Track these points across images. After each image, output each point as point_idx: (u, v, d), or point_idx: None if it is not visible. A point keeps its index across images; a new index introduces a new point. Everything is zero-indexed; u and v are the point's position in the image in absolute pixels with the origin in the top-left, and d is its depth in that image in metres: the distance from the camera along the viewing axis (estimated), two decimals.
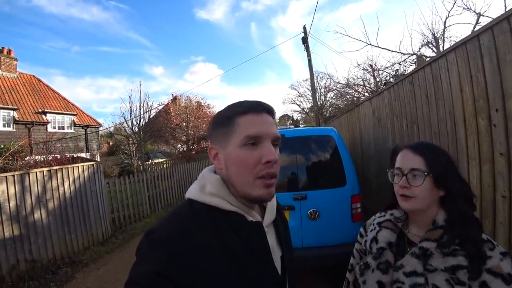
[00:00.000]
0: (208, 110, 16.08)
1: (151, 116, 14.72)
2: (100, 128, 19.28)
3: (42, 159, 6.88)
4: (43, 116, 15.89)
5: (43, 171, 4.86)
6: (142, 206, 7.07)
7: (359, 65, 9.37)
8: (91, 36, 73.95)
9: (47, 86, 18.08)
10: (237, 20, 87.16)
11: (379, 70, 8.58)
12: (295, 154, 3.03)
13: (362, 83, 9.56)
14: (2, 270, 3.96)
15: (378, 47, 7.60)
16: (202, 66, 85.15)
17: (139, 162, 13.11)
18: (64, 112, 17.03)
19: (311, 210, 2.92)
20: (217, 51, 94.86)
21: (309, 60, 10.14)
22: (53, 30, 66.57)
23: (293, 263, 0.77)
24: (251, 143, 0.62)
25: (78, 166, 5.47)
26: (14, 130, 14.21)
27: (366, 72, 9.34)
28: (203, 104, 17.59)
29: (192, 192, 0.66)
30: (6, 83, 15.78)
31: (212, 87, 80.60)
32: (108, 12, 75.58)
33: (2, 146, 6.43)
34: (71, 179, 5.24)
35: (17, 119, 14.54)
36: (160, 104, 15.68)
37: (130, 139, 9.20)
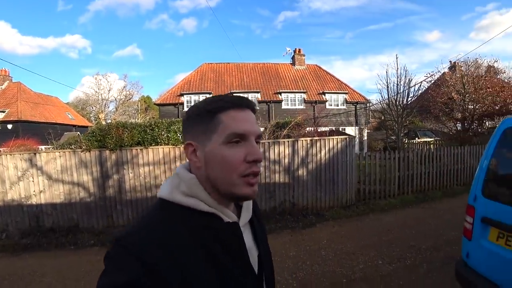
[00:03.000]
0: (499, 76, 11.78)
1: (419, 91, 13.30)
2: (368, 105, 20.46)
3: (312, 130, 8.68)
4: (323, 96, 19.77)
5: (307, 140, 6.23)
6: (389, 185, 6.98)
7: None
8: (358, 19, 78.36)
9: (325, 71, 22.36)
10: None
11: None
12: None
13: None
14: (276, 202, 5.80)
15: None
16: (494, 17, 63.03)
17: (404, 140, 12.55)
18: (338, 91, 20.01)
19: None
20: None
21: None
22: (329, 24, 78.52)
23: (270, 261, 0.75)
24: (236, 141, 0.60)
25: (333, 139, 6.38)
26: (304, 107, 18.97)
27: None
28: (496, 68, 13.21)
29: (165, 192, 0.62)
30: (298, 73, 21.86)
31: None
32: None
33: (288, 119, 8.87)
34: (326, 148, 6.26)
35: (306, 99, 19.51)
36: (428, 75, 13.64)
37: (390, 116, 9.08)
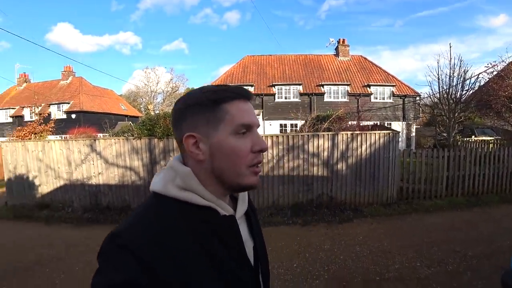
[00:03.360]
0: None
1: (477, 83, 11.95)
2: (418, 98, 19.05)
3: (354, 123, 8.42)
4: (368, 89, 18.84)
5: (347, 133, 6.09)
6: (436, 185, 6.53)
7: None
8: (410, 4, 71.43)
9: (371, 62, 21.19)
10: None
11: None
12: None
13: None
14: (313, 195, 5.84)
15: None
16: None
17: (458, 137, 11.48)
18: (384, 84, 18.89)
19: None
20: None
21: None
22: (376, 11, 72.53)
23: (265, 254, 0.75)
24: (243, 132, 0.60)
25: (375, 133, 6.15)
26: (348, 100, 18.34)
27: None
28: None
29: (158, 185, 0.61)
30: (342, 65, 21.06)
31: None
32: None
33: (330, 112, 8.69)
34: (368, 143, 6.06)
35: (350, 92, 18.80)
36: (489, 66, 12.15)
37: (441, 111, 8.38)
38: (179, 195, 0.59)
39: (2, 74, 72.24)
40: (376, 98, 18.87)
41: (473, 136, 16.33)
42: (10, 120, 23.30)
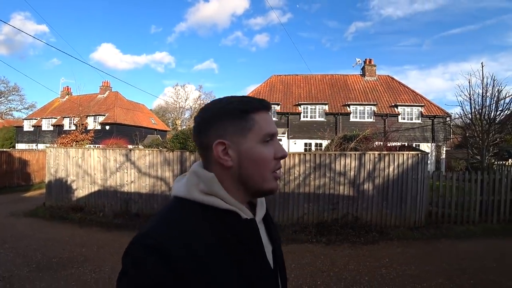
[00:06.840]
0: None
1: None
2: (448, 119, 18.38)
3: (381, 144, 8.31)
4: (395, 109, 18.57)
5: (375, 153, 6.06)
6: (469, 210, 6.23)
7: None
8: (437, 23, 69.45)
9: (399, 82, 20.96)
10: None
11: None
12: None
13: None
14: (338, 215, 5.83)
15: None
16: None
17: (493, 160, 10.90)
18: (412, 104, 18.51)
19: None
20: None
21: None
22: (403, 31, 70.81)
23: (282, 257, 0.76)
24: (267, 140, 0.65)
25: (403, 154, 6.07)
26: (374, 121, 18.09)
27: None
28: None
29: (182, 190, 0.63)
30: (369, 85, 21.03)
31: None
32: None
33: (356, 132, 8.66)
34: (395, 164, 5.98)
35: (376, 112, 18.61)
36: None
37: (473, 132, 8.05)
38: (203, 199, 0.61)
39: (50, 87, 78.80)
40: (404, 119, 18.47)
41: (510, 160, 15.40)
42: (51, 128, 25.19)
